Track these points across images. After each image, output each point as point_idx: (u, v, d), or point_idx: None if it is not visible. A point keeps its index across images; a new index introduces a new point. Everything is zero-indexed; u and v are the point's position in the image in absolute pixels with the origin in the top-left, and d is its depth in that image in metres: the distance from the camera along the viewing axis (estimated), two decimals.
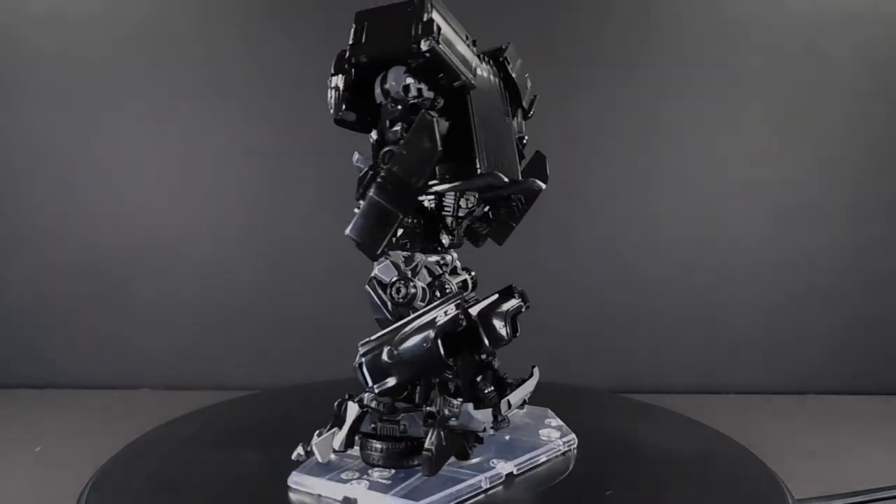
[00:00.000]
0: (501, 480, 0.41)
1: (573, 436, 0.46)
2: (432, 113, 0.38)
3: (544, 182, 0.47)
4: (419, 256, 0.43)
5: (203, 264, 0.92)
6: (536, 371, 0.46)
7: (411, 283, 0.41)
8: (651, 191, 0.92)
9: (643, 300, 0.93)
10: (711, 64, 0.91)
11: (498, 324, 0.42)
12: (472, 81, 0.40)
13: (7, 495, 0.58)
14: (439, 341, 0.37)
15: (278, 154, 0.91)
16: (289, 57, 0.89)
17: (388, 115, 0.39)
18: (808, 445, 0.70)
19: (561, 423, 0.47)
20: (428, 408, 0.39)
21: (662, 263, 0.93)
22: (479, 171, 0.39)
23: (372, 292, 0.42)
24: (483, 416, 0.39)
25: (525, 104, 0.47)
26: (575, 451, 0.45)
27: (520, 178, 0.45)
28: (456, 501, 0.38)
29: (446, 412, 0.38)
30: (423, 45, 0.36)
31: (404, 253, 0.42)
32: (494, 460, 0.42)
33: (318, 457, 0.40)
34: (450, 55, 0.38)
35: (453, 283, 0.45)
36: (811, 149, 0.92)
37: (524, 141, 0.48)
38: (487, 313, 0.42)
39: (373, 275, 0.42)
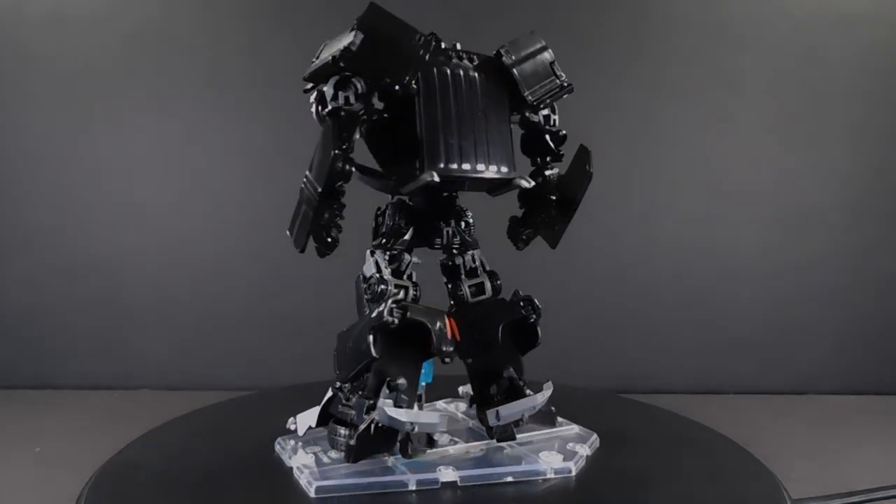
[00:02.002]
0: (435, 487, 0.40)
1: (572, 465, 0.42)
2: (326, 120, 0.41)
3: (589, 176, 0.47)
4: (404, 256, 0.44)
5: (203, 264, 0.92)
6: (548, 387, 0.44)
7: (383, 281, 0.42)
8: (650, 191, 0.92)
9: (643, 300, 0.93)
10: (710, 65, 0.91)
11: (480, 330, 0.42)
12: (405, 82, 0.41)
13: (7, 495, 0.58)
14: (370, 336, 0.39)
15: (278, 154, 0.91)
16: (290, 57, 0.89)
17: None
18: (806, 445, 0.70)
19: (583, 454, 0.44)
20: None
21: (662, 264, 0.93)
22: (418, 172, 0.41)
23: (357, 287, 0.45)
24: (407, 416, 0.39)
25: (529, 97, 0.45)
26: (573, 482, 0.42)
27: (505, 176, 0.44)
28: (365, 492, 0.39)
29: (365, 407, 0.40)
30: (337, 55, 0.40)
31: (391, 252, 0.44)
32: (445, 467, 0.41)
33: (298, 429, 0.44)
34: (367, 62, 0.40)
35: (466, 286, 0.45)
36: (811, 150, 0.92)
37: (561, 135, 0.47)
38: (472, 318, 0.43)
39: (361, 271, 0.44)
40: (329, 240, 0.43)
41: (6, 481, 0.61)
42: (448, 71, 0.43)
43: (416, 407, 0.42)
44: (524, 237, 0.49)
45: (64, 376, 0.91)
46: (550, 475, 0.41)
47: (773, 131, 0.92)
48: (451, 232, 0.46)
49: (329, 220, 0.43)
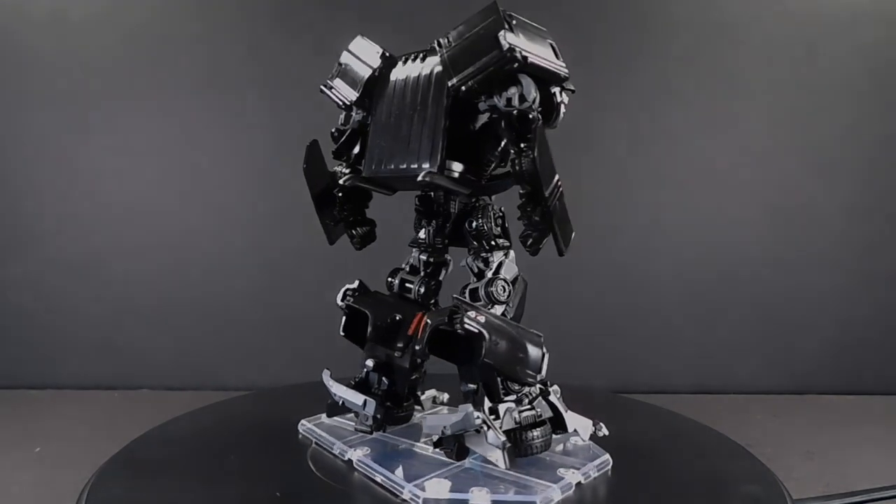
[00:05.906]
0: (343, 459, 0.45)
1: (434, 498, 0.38)
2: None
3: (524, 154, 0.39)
4: (414, 251, 0.48)
5: (203, 264, 0.92)
6: (464, 407, 0.39)
7: (398, 273, 0.47)
8: (650, 191, 0.92)
9: (643, 300, 0.93)
10: (711, 64, 0.91)
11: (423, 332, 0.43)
12: (348, 102, 0.47)
13: (7, 495, 0.58)
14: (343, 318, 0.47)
15: (279, 155, 0.91)
16: (290, 58, 0.89)
17: None
18: (807, 445, 0.70)
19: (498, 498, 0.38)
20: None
21: (662, 263, 0.93)
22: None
23: None
24: (336, 389, 0.45)
25: (450, 81, 0.39)
26: None
27: (414, 172, 0.41)
28: (313, 438, 0.48)
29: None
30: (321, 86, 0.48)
31: (413, 246, 0.48)
32: (363, 448, 0.45)
33: None
34: (332, 87, 0.47)
35: (468, 289, 0.46)
36: (811, 149, 0.92)
37: (517, 113, 0.40)
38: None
39: None
40: (354, 236, 0.49)
41: (6, 481, 0.61)
42: (393, 79, 0.45)
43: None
44: (526, 240, 0.42)
45: (64, 376, 0.91)
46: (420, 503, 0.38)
47: (774, 131, 0.92)
48: (431, 232, 0.47)
49: (347, 221, 0.48)
